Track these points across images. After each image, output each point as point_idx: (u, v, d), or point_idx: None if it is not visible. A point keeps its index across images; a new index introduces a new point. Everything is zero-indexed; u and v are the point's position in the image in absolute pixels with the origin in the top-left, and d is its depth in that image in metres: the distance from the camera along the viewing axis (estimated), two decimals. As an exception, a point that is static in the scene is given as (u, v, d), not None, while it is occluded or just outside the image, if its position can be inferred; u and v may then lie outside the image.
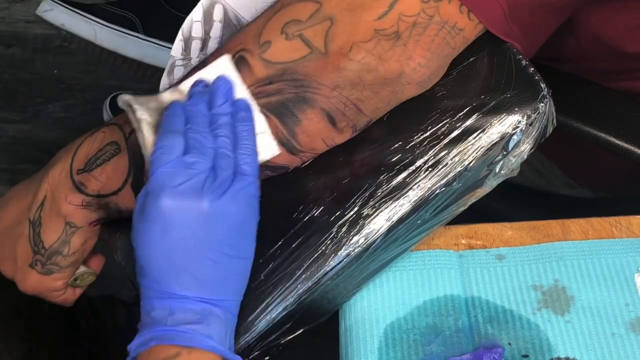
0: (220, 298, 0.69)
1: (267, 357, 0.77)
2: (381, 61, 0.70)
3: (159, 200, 0.67)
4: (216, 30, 0.80)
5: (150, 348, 0.67)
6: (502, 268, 0.81)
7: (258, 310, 0.74)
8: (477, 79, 0.75)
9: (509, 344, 0.76)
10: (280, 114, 0.72)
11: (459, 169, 0.73)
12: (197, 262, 0.68)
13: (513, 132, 0.74)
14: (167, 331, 0.67)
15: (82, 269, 0.84)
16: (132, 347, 0.68)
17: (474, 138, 0.74)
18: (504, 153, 0.75)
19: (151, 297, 0.68)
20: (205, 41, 0.80)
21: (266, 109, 0.72)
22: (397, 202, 0.74)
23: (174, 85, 0.76)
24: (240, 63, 0.73)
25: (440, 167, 0.74)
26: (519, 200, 1.10)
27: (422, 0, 0.70)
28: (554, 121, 0.76)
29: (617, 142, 0.88)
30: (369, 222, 0.73)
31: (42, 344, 1.03)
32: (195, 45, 0.81)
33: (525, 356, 0.75)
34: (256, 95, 0.72)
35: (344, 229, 0.74)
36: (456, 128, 0.74)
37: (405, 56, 0.71)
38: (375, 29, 0.70)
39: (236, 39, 0.75)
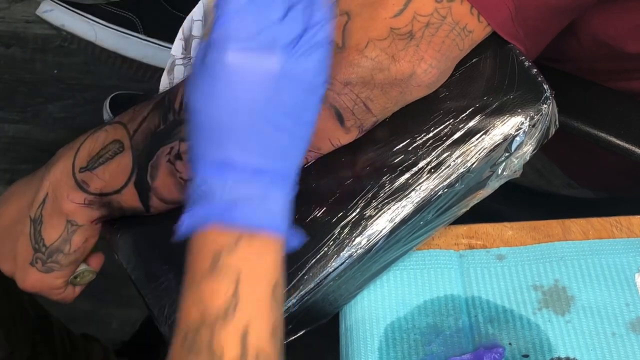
0: (283, 166, 0.62)
1: (269, 358, 0.77)
2: (394, 61, 0.70)
3: (223, 54, 0.60)
4: (217, 30, 0.80)
5: (205, 233, 0.59)
6: (503, 268, 0.81)
7: (260, 311, 0.74)
8: (480, 80, 0.75)
9: (510, 343, 0.76)
10: None
11: (461, 170, 0.73)
12: (263, 126, 0.60)
13: (516, 133, 0.73)
14: (224, 209, 0.59)
15: (82, 267, 0.84)
16: (182, 228, 0.59)
17: (477, 139, 0.73)
18: (507, 154, 0.74)
19: (205, 165, 0.60)
20: (206, 41, 0.80)
21: None
22: (400, 203, 0.73)
23: None
24: None
25: (443, 168, 0.73)
26: (519, 200, 1.10)
27: (436, 0, 0.70)
28: (557, 122, 0.75)
29: (617, 142, 0.88)
30: (372, 224, 0.73)
31: (18, 351, 1.02)
32: (196, 45, 0.81)
33: (526, 356, 0.75)
34: None
35: (346, 230, 0.73)
36: (459, 129, 0.74)
37: (418, 57, 0.71)
38: (391, 28, 0.70)
39: None
